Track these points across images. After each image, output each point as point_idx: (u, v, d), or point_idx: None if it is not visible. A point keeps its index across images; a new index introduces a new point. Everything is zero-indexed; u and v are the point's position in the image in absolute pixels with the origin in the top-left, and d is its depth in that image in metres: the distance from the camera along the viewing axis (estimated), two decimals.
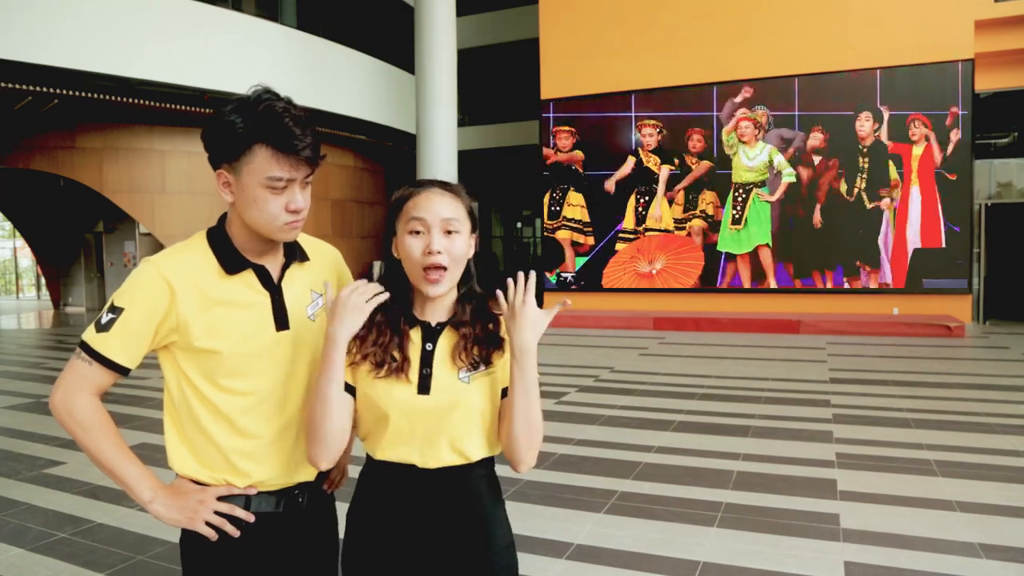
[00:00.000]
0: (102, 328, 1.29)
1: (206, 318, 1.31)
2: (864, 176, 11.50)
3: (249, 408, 1.34)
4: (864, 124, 11.47)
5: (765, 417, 5.38)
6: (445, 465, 1.30)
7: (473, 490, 1.32)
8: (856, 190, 11.55)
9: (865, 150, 11.48)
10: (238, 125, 1.26)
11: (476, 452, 1.32)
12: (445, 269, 1.28)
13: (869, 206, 11.48)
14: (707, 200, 12.50)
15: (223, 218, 1.39)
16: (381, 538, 1.32)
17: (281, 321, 1.37)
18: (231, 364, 1.32)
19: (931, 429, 4.95)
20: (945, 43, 11.02)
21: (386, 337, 1.31)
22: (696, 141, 12.51)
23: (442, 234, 1.29)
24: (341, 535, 1.49)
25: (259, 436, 1.36)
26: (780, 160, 12.01)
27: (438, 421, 1.29)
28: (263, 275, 1.37)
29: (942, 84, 11.07)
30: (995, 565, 2.83)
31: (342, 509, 1.47)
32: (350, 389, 1.32)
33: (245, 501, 1.36)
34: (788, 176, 11.97)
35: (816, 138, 11.76)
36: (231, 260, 1.34)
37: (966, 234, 11.04)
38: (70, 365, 1.30)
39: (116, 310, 1.29)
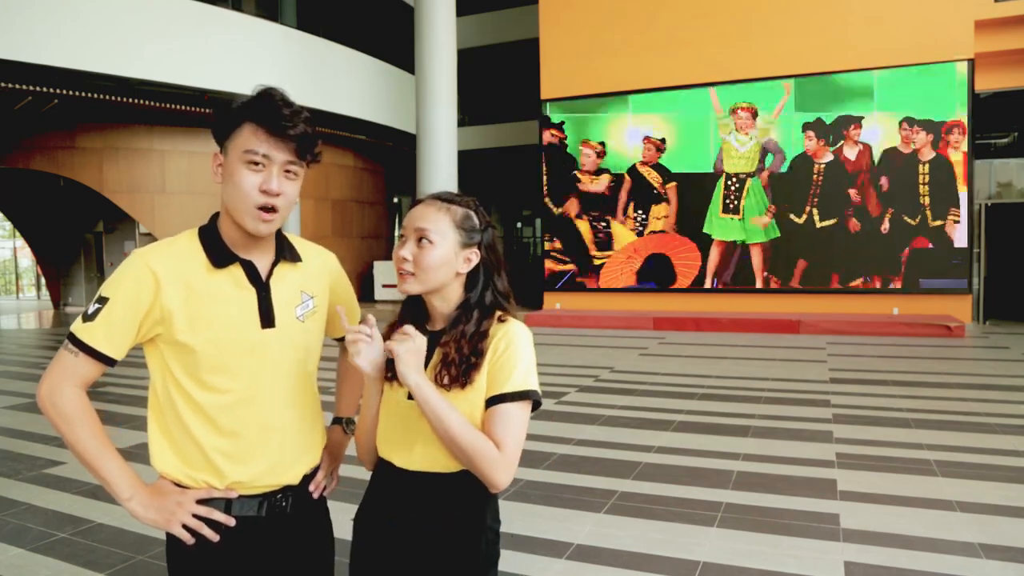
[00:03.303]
0: (88, 318, 1.28)
1: (190, 310, 1.30)
2: (861, 177, 11.49)
3: (230, 406, 1.33)
4: (861, 124, 11.46)
5: (765, 417, 5.38)
6: (421, 469, 1.32)
7: (448, 501, 1.32)
8: (854, 192, 11.54)
9: (863, 151, 11.47)
10: (233, 106, 1.31)
11: (454, 463, 1.31)
12: (411, 275, 1.33)
13: (867, 206, 11.48)
14: (662, 214, 12.64)
15: (216, 215, 1.40)
16: (373, 532, 1.37)
17: (267, 318, 1.35)
18: (214, 359, 1.31)
19: (931, 429, 4.95)
20: (945, 43, 11.02)
21: None
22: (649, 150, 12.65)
23: (414, 243, 1.32)
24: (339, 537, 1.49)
25: (240, 435, 1.34)
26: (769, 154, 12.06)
27: (418, 426, 1.31)
28: (250, 270, 1.36)
29: (942, 84, 11.08)
30: (995, 565, 2.83)
31: (344, 512, 1.47)
32: None
33: (226, 505, 1.33)
34: (769, 160, 11.98)
35: (811, 138, 11.77)
36: (219, 253, 1.34)
37: (966, 234, 11.03)
38: (57, 357, 1.30)
39: (102, 300, 1.28)
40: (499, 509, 1.41)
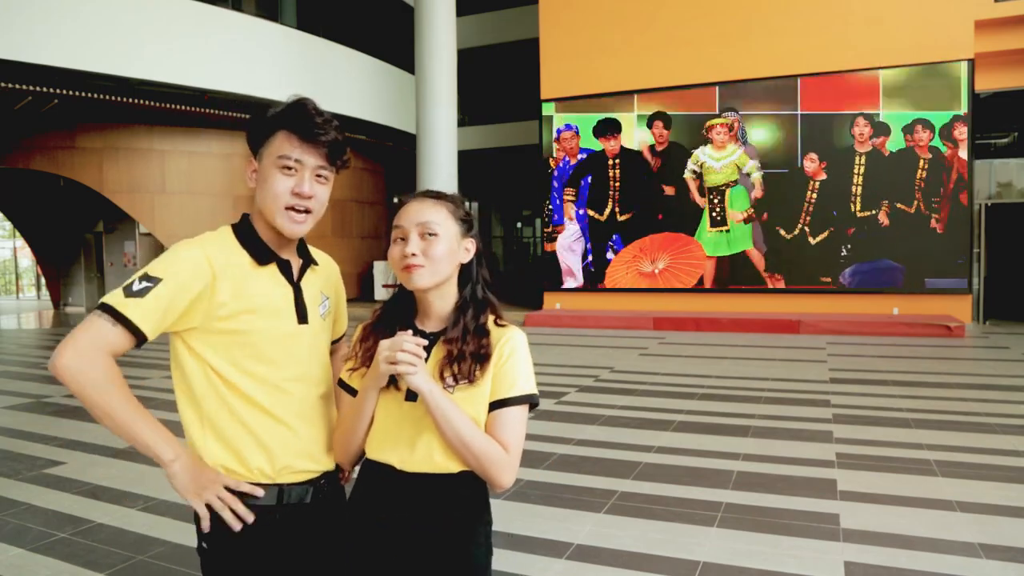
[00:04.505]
0: (133, 294, 1.27)
1: (238, 303, 1.36)
2: (861, 177, 11.49)
3: (277, 394, 1.39)
4: (862, 128, 11.46)
5: (765, 417, 5.38)
6: (422, 471, 1.32)
7: (448, 502, 1.33)
8: (853, 192, 11.54)
9: (862, 151, 11.47)
10: (267, 116, 1.38)
11: (455, 464, 1.32)
12: (421, 266, 1.32)
13: (867, 208, 11.48)
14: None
15: (246, 217, 1.46)
16: (369, 534, 1.36)
17: (302, 314, 1.44)
18: (260, 349, 1.37)
19: (931, 429, 4.95)
20: (945, 43, 11.02)
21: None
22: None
23: (418, 237, 1.33)
24: None
25: (289, 422, 1.40)
26: (751, 164, 12.11)
27: (419, 428, 1.32)
28: (286, 270, 1.44)
29: (942, 84, 11.08)
30: (995, 565, 2.83)
31: None
32: (352, 391, 1.41)
33: (278, 491, 1.38)
34: (757, 176, 12.05)
35: (812, 160, 11.78)
36: (261, 252, 1.41)
37: (966, 234, 11.03)
38: (86, 325, 1.25)
39: (153, 279, 1.28)
40: (490, 506, 1.44)
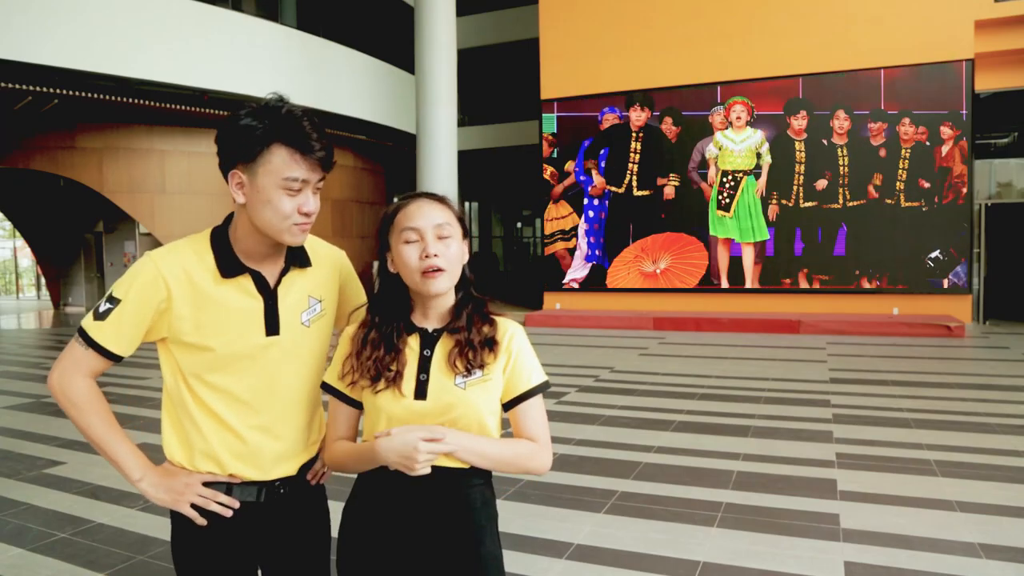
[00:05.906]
0: (99, 317, 1.35)
1: (199, 316, 1.35)
2: (860, 176, 11.50)
3: (235, 406, 1.39)
4: (855, 123, 11.48)
5: (765, 417, 5.38)
6: (443, 466, 1.32)
7: (466, 497, 1.35)
8: (849, 191, 11.54)
9: (860, 150, 11.48)
10: (257, 127, 1.29)
11: None
12: (443, 270, 1.32)
13: (862, 204, 11.48)
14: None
15: (229, 219, 1.42)
16: (373, 535, 1.36)
17: (272, 327, 1.40)
18: (220, 362, 1.37)
19: (931, 429, 4.95)
20: (945, 43, 11.02)
21: (380, 351, 1.35)
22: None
23: (436, 239, 1.33)
24: (334, 526, 1.51)
25: (243, 435, 1.40)
26: (766, 147, 12.08)
27: (434, 425, 1.32)
28: (259, 280, 1.40)
29: (942, 84, 11.07)
30: (995, 565, 2.83)
31: (336, 504, 1.47)
32: (357, 404, 1.41)
33: (227, 488, 1.40)
34: (766, 159, 12.03)
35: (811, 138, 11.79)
36: (228, 264, 1.38)
37: (966, 234, 11.03)
38: (68, 348, 1.37)
39: (114, 301, 1.35)
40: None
